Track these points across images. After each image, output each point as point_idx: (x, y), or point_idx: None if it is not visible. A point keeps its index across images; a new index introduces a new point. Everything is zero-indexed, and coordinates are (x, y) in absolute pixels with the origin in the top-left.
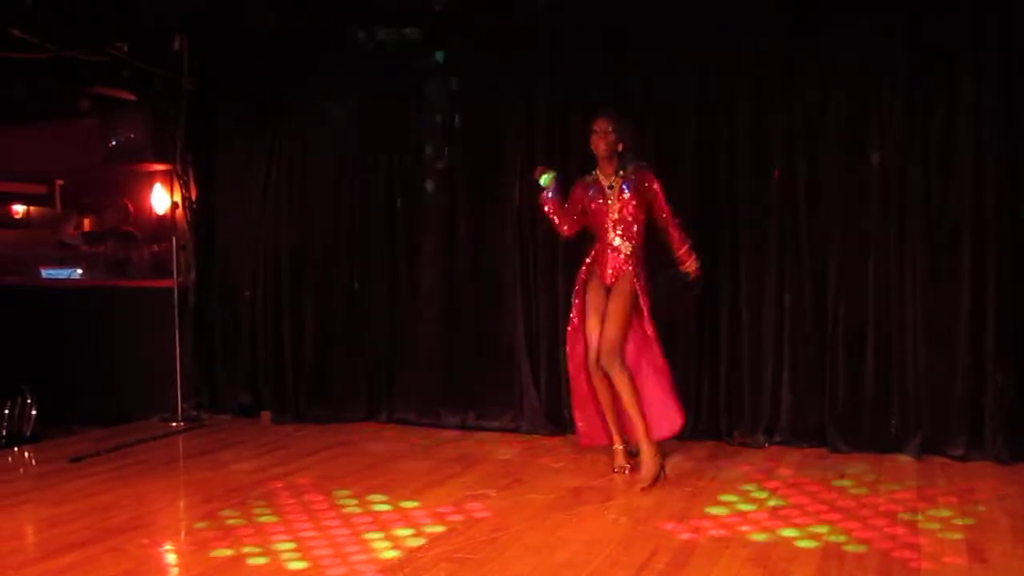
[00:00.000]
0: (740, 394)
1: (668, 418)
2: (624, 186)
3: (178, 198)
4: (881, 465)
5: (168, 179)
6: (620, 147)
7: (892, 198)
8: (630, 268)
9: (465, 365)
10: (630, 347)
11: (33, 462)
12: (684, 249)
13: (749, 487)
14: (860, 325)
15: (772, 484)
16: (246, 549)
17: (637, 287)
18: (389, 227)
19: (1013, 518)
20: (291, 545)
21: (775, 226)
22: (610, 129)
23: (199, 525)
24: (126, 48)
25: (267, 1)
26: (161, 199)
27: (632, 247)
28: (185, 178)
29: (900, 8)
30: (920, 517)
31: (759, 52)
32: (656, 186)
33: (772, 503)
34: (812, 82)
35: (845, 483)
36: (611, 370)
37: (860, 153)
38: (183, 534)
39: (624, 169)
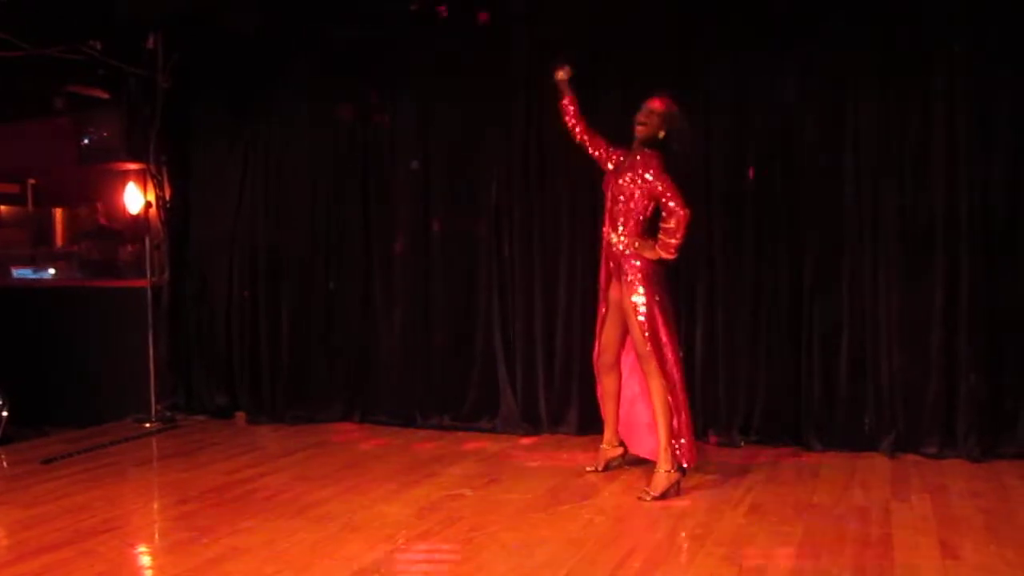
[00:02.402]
0: (715, 394)
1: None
2: (628, 170)
3: (152, 197)
4: (855, 463)
5: (142, 178)
6: (661, 135)
7: (866, 198)
8: (629, 273)
9: (441, 365)
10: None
11: (4, 464)
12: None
13: (725, 486)
14: (834, 325)
15: (747, 483)
16: (221, 551)
17: (633, 295)
18: (364, 227)
19: (985, 515)
20: (267, 547)
21: (750, 226)
22: (654, 112)
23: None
24: (100, 47)
25: (242, 1)
26: (135, 198)
27: (622, 240)
28: (159, 177)
29: (875, 9)
30: (894, 514)
31: (736, 52)
32: (647, 176)
33: (747, 502)
34: (788, 82)
35: (819, 481)
36: (648, 374)
37: (835, 154)
38: (157, 536)
39: (643, 145)
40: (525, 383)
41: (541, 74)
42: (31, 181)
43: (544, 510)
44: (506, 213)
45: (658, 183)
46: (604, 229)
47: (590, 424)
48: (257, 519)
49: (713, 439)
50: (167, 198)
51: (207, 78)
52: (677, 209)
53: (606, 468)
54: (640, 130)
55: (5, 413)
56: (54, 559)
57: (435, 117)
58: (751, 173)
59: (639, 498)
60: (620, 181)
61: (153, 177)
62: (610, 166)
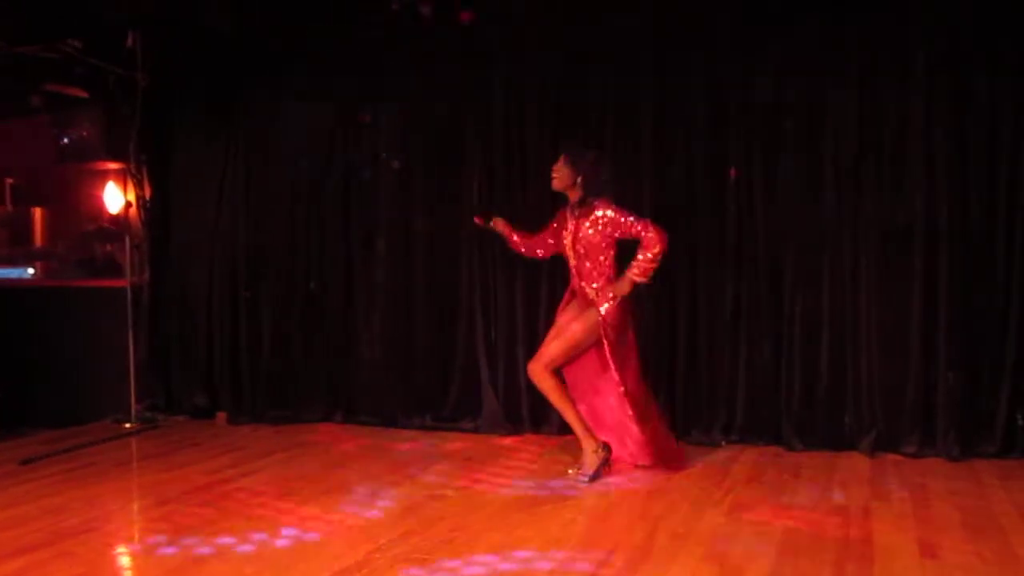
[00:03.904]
0: (697, 393)
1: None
2: (576, 221)
3: (132, 197)
4: (835, 463)
5: (122, 178)
6: (579, 180)
7: (846, 199)
8: (600, 305)
9: (423, 366)
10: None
11: None
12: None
13: (706, 486)
14: (815, 325)
15: (728, 482)
16: (200, 553)
17: (605, 329)
18: (345, 227)
19: (963, 513)
20: (247, 548)
21: (732, 225)
22: (560, 166)
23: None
24: (79, 45)
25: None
26: (115, 198)
27: (599, 290)
28: (139, 177)
29: (853, 9)
30: (874, 513)
31: (715, 52)
32: (607, 213)
33: (728, 501)
34: (768, 82)
35: (800, 481)
36: (535, 379)
37: (815, 153)
38: (137, 537)
39: (582, 202)
40: (507, 383)
41: (519, 74)
42: (9, 180)
43: (526, 510)
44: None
45: (620, 219)
46: (573, 280)
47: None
48: (238, 520)
49: (695, 438)
50: (147, 198)
51: (187, 77)
52: (655, 235)
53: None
54: (555, 183)
55: None
56: (32, 560)
57: (416, 116)
58: (732, 173)
59: (577, 479)
60: (579, 235)
61: (133, 176)
62: (565, 233)
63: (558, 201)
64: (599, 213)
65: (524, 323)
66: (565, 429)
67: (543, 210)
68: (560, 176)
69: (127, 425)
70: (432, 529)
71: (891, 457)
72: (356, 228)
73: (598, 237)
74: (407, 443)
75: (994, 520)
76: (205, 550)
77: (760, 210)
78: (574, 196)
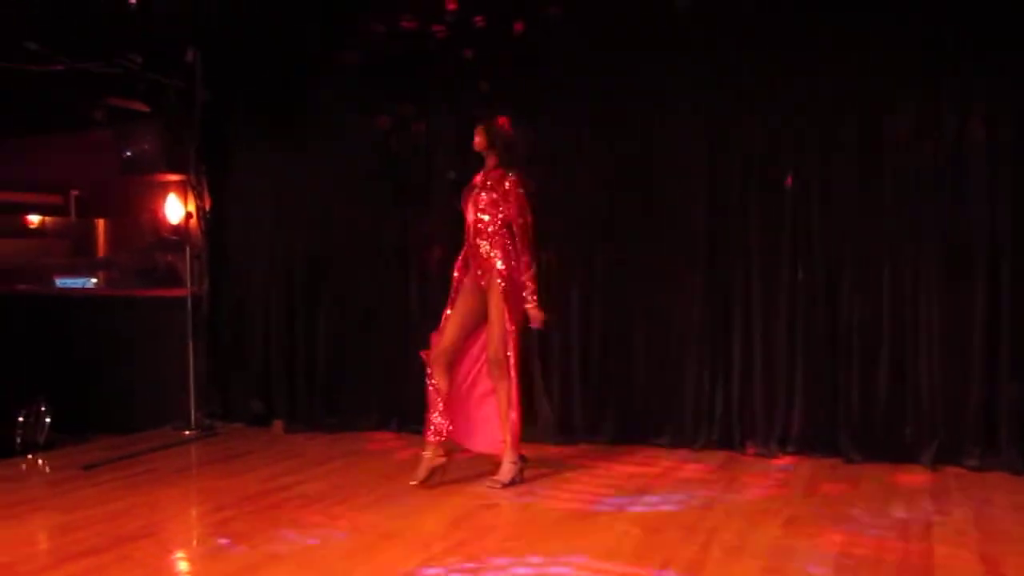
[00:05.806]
0: (753, 404)
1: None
2: (491, 183)
3: (192, 208)
4: (895, 475)
5: (182, 189)
6: (494, 146)
7: (906, 206)
8: (497, 271)
9: None
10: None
11: (46, 470)
12: (527, 287)
13: (762, 498)
14: (874, 334)
15: (785, 495)
16: (257, 558)
17: (502, 294)
18: (402, 237)
19: None
20: (302, 555)
21: (788, 234)
22: (478, 130)
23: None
24: (140, 60)
25: (275, 15)
26: (175, 209)
27: (492, 251)
28: (199, 188)
29: (914, 11)
30: (935, 528)
31: (767, 53)
32: (511, 191)
33: (785, 514)
34: (825, 87)
35: (859, 493)
36: (496, 377)
37: (874, 161)
38: (195, 542)
39: (499, 166)
40: (562, 392)
41: (569, 82)
42: (74, 192)
43: (579, 520)
44: (542, 222)
45: (519, 209)
46: (472, 239)
47: (624, 433)
48: (293, 527)
49: (751, 450)
50: (207, 209)
51: (245, 90)
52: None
53: (429, 478)
54: (475, 144)
55: (48, 420)
56: (93, 563)
57: (469, 126)
58: (789, 181)
59: (488, 487)
60: (481, 196)
61: (193, 188)
62: (473, 194)
63: (593, 205)
64: (509, 187)
65: (579, 333)
66: (617, 438)
67: (593, 205)
68: (479, 140)
69: (187, 432)
70: (485, 539)
71: (952, 470)
72: (413, 238)
73: (502, 212)
74: (461, 452)
75: None
76: (261, 556)
77: (817, 218)
78: (491, 161)
